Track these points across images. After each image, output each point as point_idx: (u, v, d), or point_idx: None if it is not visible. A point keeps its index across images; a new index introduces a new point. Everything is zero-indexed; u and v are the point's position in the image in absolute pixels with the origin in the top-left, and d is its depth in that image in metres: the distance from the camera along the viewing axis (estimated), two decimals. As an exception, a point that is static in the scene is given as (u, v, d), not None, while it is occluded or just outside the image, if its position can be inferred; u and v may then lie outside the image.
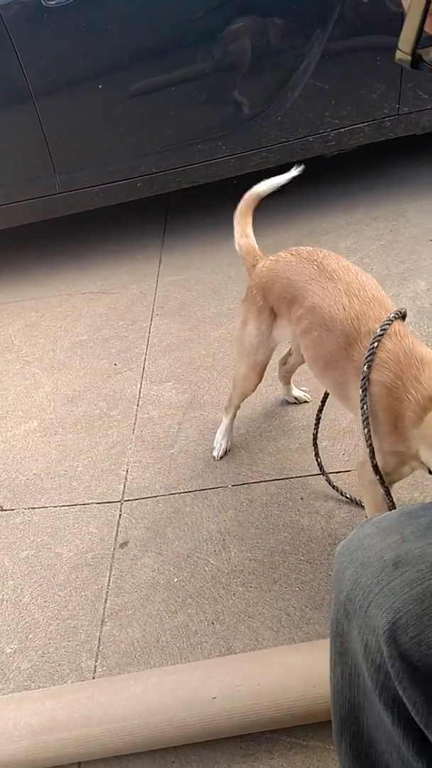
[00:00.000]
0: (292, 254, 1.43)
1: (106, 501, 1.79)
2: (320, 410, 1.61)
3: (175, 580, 1.52)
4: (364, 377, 1.15)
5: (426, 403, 1.07)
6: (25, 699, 1.26)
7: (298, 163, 1.57)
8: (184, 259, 2.84)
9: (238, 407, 1.78)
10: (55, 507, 1.81)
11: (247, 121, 2.55)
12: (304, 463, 1.73)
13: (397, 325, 1.17)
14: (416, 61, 0.64)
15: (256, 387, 1.67)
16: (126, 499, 1.78)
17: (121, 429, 2.03)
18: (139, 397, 2.14)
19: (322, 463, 1.63)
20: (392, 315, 1.18)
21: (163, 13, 2.36)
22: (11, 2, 2.33)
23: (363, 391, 1.15)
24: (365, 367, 1.15)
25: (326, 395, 1.56)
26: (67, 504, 1.81)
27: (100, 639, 1.44)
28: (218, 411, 1.94)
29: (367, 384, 1.15)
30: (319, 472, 1.62)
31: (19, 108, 2.54)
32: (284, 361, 1.85)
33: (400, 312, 1.20)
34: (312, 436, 1.64)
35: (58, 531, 1.74)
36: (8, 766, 1.16)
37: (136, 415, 2.07)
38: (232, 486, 1.73)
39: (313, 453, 1.64)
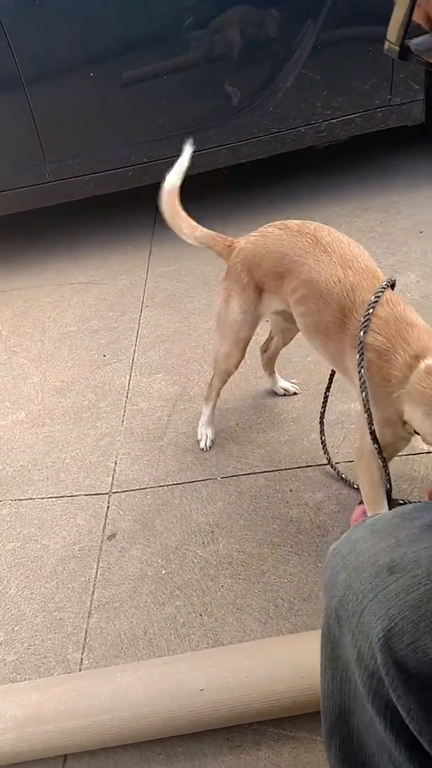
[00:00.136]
0: (280, 228, 1.42)
1: (94, 493, 1.78)
2: (328, 389, 1.61)
3: (163, 572, 1.52)
4: (360, 342, 1.17)
5: (412, 361, 1.11)
6: (11, 691, 1.25)
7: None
8: (174, 250, 2.81)
9: (218, 392, 1.77)
10: (43, 499, 1.80)
11: (238, 112, 2.53)
12: (294, 455, 1.72)
13: (389, 293, 1.21)
14: (404, 51, 0.63)
15: (238, 364, 1.66)
16: (114, 491, 1.77)
17: (109, 421, 2.01)
18: (128, 389, 2.12)
19: (326, 441, 1.64)
20: (384, 283, 1.22)
21: (155, 1, 2.33)
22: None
23: (360, 356, 1.17)
24: (361, 332, 1.17)
25: (333, 373, 1.55)
26: (55, 496, 1.80)
27: (86, 631, 1.43)
28: (208, 403, 1.93)
29: (362, 348, 1.17)
30: (309, 465, 1.62)
31: (10, 96, 2.50)
32: (265, 348, 1.84)
33: (391, 280, 1.24)
34: (319, 414, 1.64)
35: (45, 523, 1.72)
36: (-7, 758, 1.16)
37: (125, 406, 2.06)
38: (221, 478, 1.72)
39: (312, 439, 1.63)
